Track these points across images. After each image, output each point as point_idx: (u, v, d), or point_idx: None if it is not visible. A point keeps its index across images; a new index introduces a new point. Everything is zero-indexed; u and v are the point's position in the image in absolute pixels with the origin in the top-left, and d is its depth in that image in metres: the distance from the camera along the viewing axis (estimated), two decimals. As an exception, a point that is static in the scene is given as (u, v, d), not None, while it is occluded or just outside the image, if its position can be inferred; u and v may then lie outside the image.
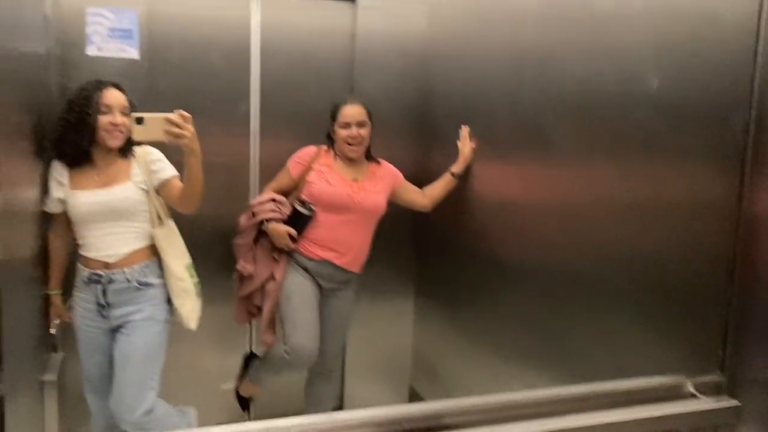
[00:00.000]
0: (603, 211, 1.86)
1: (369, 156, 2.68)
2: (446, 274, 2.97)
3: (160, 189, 2.25)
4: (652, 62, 1.68)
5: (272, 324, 2.64)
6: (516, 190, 2.37)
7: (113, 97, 2.16)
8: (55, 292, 2.29)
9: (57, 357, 2.46)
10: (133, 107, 2.19)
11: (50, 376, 2.25)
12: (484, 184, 2.61)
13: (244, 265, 2.60)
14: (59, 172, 2.18)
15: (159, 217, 2.26)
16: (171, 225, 2.32)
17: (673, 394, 1.36)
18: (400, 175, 2.75)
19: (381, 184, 2.66)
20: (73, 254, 2.30)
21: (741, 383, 1.39)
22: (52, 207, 2.20)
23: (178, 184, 2.21)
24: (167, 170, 2.26)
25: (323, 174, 2.58)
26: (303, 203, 2.55)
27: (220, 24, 2.86)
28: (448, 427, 1.15)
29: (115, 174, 2.21)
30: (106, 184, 2.19)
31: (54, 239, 2.27)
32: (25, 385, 2.03)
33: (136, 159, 2.24)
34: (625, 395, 1.35)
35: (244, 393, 2.83)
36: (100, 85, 2.16)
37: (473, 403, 1.19)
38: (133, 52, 2.67)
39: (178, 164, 2.19)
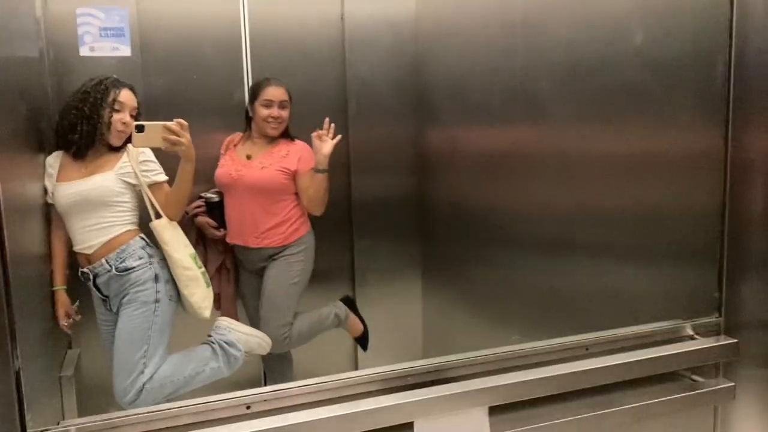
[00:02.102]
0: (599, 169, 1.89)
1: (287, 135, 2.69)
2: (451, 249, 3.00)
3: (152, 190, 2.28)
4: (635, 20, 1.70)
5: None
6: (514, 158, 2.39)
7: (128, 97, 2.24)
8: (58, 288, 2.28)
9: (73, 353, 2.50)
10: (139, 113, 2.29)
11: (67, 372, 2.29)
12: (484, 155, 2.63)
13: None
14: (50, 164, 2.23)
15: (156, 210, 2.28)
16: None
17: (674, 336, 1.39)
18: (308, 161, 2.63)
19: (278, 161, 2.62)
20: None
21: (738, 323, 1.42)
22: (48, 199, 2.24)
23: (166, 188, 2.29)
24: (158, 174, 2.30)
25: (223, 157, 2.73)
26: (211, 190, 2.74)
27: (210, 16, 2.87)
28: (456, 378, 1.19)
29: (100, 165, 2.24)
30: (87, 175, 2.22)
31: (54, 233, 2.29)
32: (43, 381, 2.07)
33: (128, 153, 2.26)
34: (628, 341, 1.38)
35: (354, 333, 3.00)
36: (118, 83, 2.23)
37: (485, 354, 1.23)
38: (125, 50, 2.70)
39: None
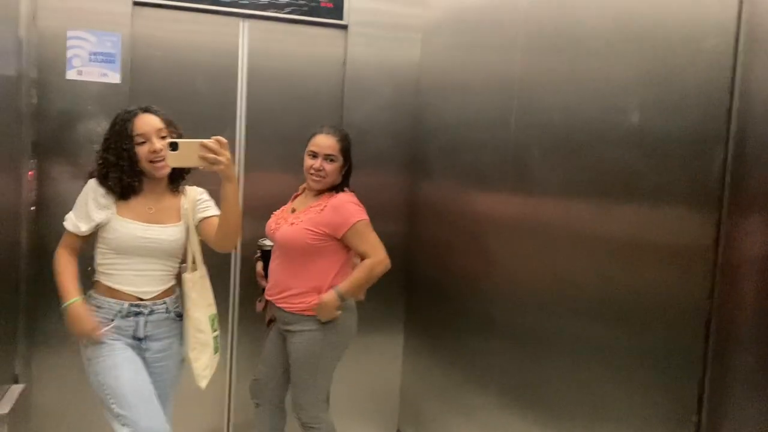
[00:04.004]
0: (584, 250, 1.74)
1: (337, 188, 2.43)
2: (435, 314, 2.83)
3: (200, 227, 2.13)
4: (633, 94, 1.58)
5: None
6: (500, 226, 2.24)
7: (146, 123, 2.01)
8: (77, 299, 2.00)
9: (15, 389, 2.36)
10: (172, 125, 2.07)
11: (2, 410, 2.15)
12: (470, 218, 2.48)
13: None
14: (103, 194, 2.01)
15: (194, 261, 2.14)
16: (203, 271, 2.20)
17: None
18: (345, 220, 2.32)
19: (311, 217, 2.35)
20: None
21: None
22: (83, 227, 2.01)
23: (215, 221, 2.10)
24: (211, 209, 2.16)
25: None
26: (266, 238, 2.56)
27: (207, 48, 2.81)
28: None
29: (168, 211, 2.10)
30: (159, 220, 2.06)
31: (68, 253, 2.06)
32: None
33: (186, 196, 2.15)
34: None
35: None
36: (129, 114, 2.01)
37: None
38: (114, 76, 2.62)
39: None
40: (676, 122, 1.43)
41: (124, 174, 1.99)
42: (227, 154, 1.89)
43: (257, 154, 2.91)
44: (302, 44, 2.92)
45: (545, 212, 1.95)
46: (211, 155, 1.86)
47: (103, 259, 2.05)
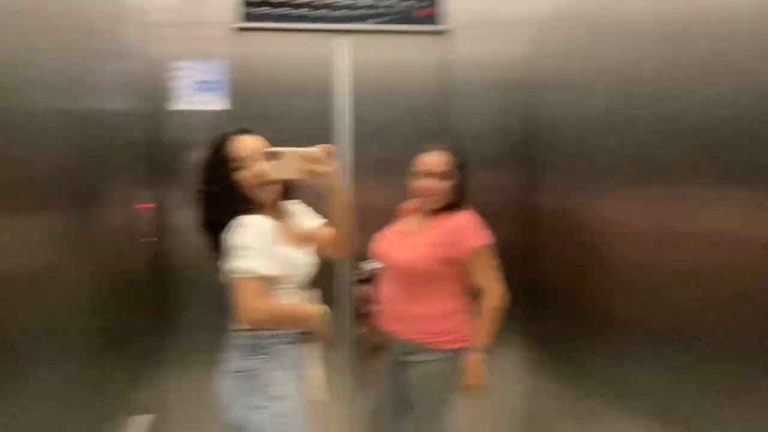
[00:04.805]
0: (739, 262, 1.47)
1: (454, 207, 2.27)
2: (559, 323, 2.59)
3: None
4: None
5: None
6: (632, 235, 1.99)
7: (246, 146, 1.77)
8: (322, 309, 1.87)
9: (141, 420, 2.36)
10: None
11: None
12: (596, 226, 2.24)
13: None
14: (272, 225, 1.76)
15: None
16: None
17: None
18: (467, 243, 2.16)
19: (433, 238, 2.19)
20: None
21: None
22: (283, 267, 1.75)
23: (326, 230, 1.97)
24: (315, 218, 2.01)
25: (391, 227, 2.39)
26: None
27: (309, 70, 2.76)
28: None
29: (298, 234, 1.91)
30: (298, 242, 1.88)
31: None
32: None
33: (295, 214, 1.99)
34: None
35: None
36: (225, 139, 1.79)
37: None
38: (222, 103, 2.63)
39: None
40: None
41: (235, 204, 1.74)
42: (334, 163, 1.75)
43: (364, 171, 2.81)
44: (404, 53, 2.81)
45: (686, 216, 1.70)
46: (316, 166, 1.72)
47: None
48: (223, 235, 1.71)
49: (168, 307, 2.69)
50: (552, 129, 2.62)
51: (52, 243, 1.63)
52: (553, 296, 2.67)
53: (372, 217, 2.47)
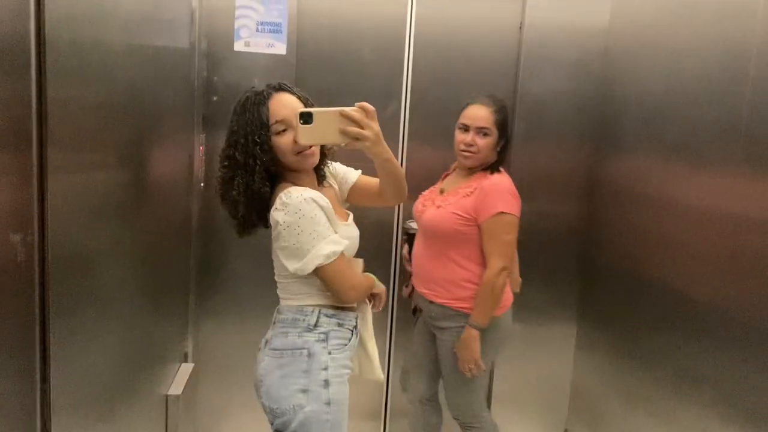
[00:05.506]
0: None
1: (492, 168, 2.14)
2: (615, 305, 2.51)
3: (353, 194, 1.82)
4: None
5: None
6: (716, 211, 1.87)
7: (285, 105, 1.55)
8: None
9: (185, 368, 2.33)
10: (309, 105, 1.60)
11: (176, 391, 2.12)
12: (672, 205, 2.12)
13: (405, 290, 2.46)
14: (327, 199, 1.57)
15: None
16: None
17: None
18: (491, 206, 2.03)
19: (458, 200, 2.09)
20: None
21: None
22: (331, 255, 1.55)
23: (368, 178, 1.81)
24: (351, 172, 1.83)
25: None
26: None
27: (372, 17, 2.61)
28: None
29: (339, 206, 1.76)
30: (345, 215, 1.73)
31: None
32: (142, 400, 1.89)
33: (335, 179, 1.82)
34: None
35: None
36: (261, 97, 1.54)
37: None
38: (281, 47, 2.50)
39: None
40: None
41: (255, 177, 1.53)
42: (375, 125, 1.51)
43: (421, 129, 2.68)
44: (474, 8, 2.65)
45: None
46: (355, 128, 1.49)
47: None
48: (269, 209, 1.55)
49: (211, 258, 2.61)
50: (629, 100, 2.47)
51: (113, 183, 1.56)
52: (609, 273, 2.58)
53: (425, 177, 2.38)
